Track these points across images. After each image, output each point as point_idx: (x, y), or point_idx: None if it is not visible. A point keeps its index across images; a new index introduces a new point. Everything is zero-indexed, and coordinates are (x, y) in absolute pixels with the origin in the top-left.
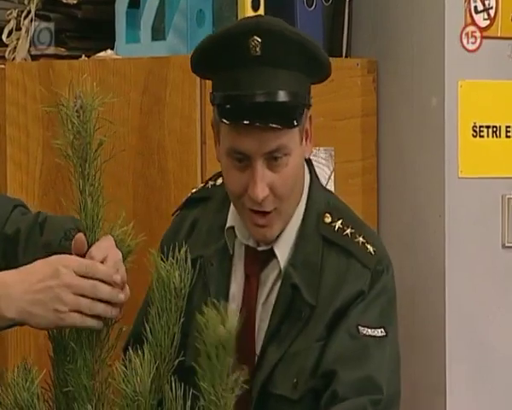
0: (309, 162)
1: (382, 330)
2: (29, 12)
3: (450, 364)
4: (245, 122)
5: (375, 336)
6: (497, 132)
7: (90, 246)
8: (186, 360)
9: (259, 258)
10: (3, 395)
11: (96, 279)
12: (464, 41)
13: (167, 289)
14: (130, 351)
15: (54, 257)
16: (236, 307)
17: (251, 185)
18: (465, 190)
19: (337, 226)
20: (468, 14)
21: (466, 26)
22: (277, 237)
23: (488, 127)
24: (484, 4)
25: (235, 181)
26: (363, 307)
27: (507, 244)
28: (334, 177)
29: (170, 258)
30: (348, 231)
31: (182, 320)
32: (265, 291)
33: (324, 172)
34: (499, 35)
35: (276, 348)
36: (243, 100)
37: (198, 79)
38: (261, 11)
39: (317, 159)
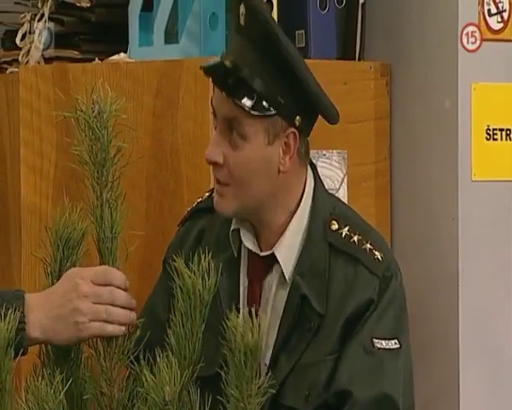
0: (313, 169)
1: (396, 341)
2: (42, 15)
3: (463, 367)
4: (207, 65)
5: (389, 349)
6: (511, 135)
7: (107, 254)
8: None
9: (262, 263)
10: (27, 404)
11: (112, 285)
12: (475, 43)
13: (192, 297)
14: (158, 359)
15: (71, 270)
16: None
17: (208, 147)
18: (478, 194)
19: (344, 233)
20: (481, 17)
21: (480, 28)
22: (277, 241)
23: (502, 130)
24: (497, 7)
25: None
26: (376, 318)
27: None
28: (348, 180)
29: (193, 265)
30: (355, 237)
31: None
32: (269, 298)
33: (337, 175)
34: None
35: (286, 359)
36: (221, 59)
37: (211, 81)
38: (274, 14)
39: (330, 162)
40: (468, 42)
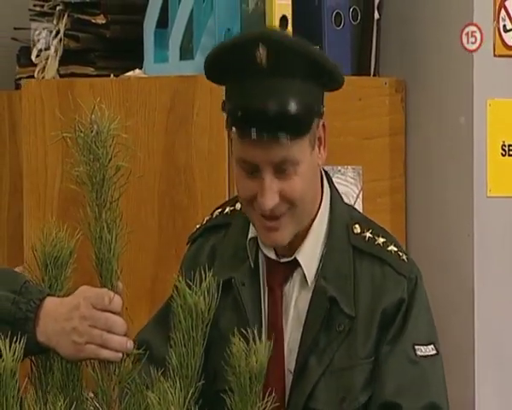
0: (328, 175)
1: (432, 346)
2: (58, 32)
3: (479, 382)
4: (252, 136)
5: (429, 356)
6: None
7: (106, 275)
8: (214, 385)
9: (282, 270)
10: None
11: (110, 311)
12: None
13: (193, 316)
14: (162, 379)
15: (82, 287)
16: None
17: (260, 194)
18: (494, 210)
19: (367, 236)
20: (497, 33)
21: (495, 44)
22: (299, 247)
23: None
24: None
25: (245, 188)
26: (413, 323)
27: None
28: (363, 196)
29: (194, 283)
30: (379, 240)
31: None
32: (290, 303)
33: (352, 191)
34: None
35: (316, 362)
36: (252, 110)
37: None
38: (289, 30)
39: (345, 178)
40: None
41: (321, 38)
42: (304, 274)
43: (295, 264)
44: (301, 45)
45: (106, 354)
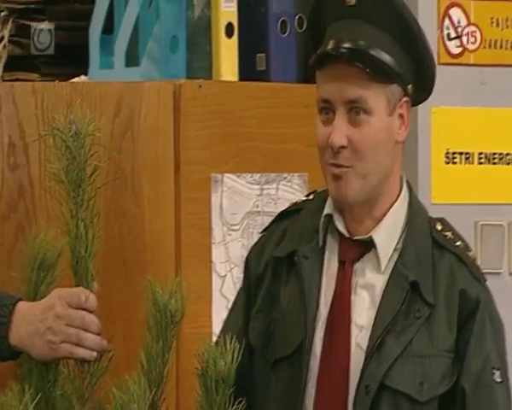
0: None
1: (502, 372)
2: (2, 38)
3: None
4: (329, 55)
5: (501, 382)
6: (470, 159)
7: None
8: (271, 353)
9: (355, 247)
10: None
11: (85, 310)
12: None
13: (163, 316)
14: (127, 377)
15: (55, 290)
16: (329, 297)
17: (331, 134)
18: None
19: (448, 236)
20: (441, 42)
21: (439, 52)
22: (374, 227)
23: (461, 154)
24: (456, 32)
25: (320, 134)
26: (492, 339)
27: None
28: None
29: (165, 284)
30: (459, 243)
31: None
32: (360, 281)
33: (298, 198)
34: (471, 62)
35: (394, 342)
36: (332, 47)
37: (171, 104)
38: (235, 37)
39: (291, 185)
40: None
41: (266, 45)
42: (378, 256)
43: (370, 244)
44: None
45: (81, 352)
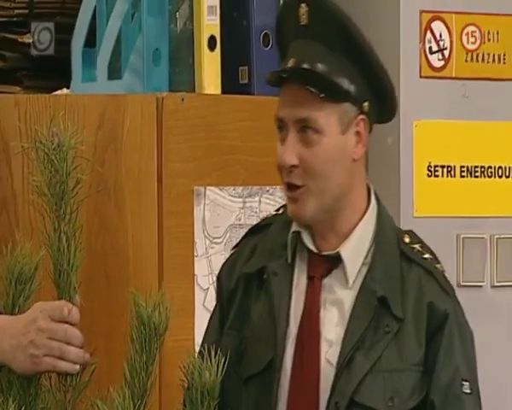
0: (376, 194)
1: (470, 383)
2: None
3: None
4: (278, 75)
5: (469, 394)
6: (452, 172)
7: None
8: (243, 370)
9: (323, 263)
10: None
11: (68, 323)
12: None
13: (147, 329)
14: (111, 389)
15: (37, 303)
16: (298, 313)
17: (283, 153)
18: (420, 230)
19: (416, 249)
20: (423, 55)
21: (421, 66)
22: (342, 243)
23: (443, 167)
24: (438, 45)
25: (277, 155)
26: (461, 351)
27: (462, 283)
28: None
29: (148, 297)
30: (427, 255)
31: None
32: (328, 297)
33: None
34: (453, 75)
35: (363, 358)
36: (282, 67)
37: (154, 117)
38: (217, 50)
39: (273, 198)
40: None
41: (249, 58)
42: (345, 271)
43: (338, 260)
44: (341, 15)
45: (63, 365)
